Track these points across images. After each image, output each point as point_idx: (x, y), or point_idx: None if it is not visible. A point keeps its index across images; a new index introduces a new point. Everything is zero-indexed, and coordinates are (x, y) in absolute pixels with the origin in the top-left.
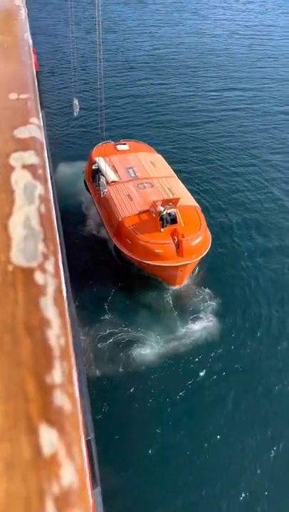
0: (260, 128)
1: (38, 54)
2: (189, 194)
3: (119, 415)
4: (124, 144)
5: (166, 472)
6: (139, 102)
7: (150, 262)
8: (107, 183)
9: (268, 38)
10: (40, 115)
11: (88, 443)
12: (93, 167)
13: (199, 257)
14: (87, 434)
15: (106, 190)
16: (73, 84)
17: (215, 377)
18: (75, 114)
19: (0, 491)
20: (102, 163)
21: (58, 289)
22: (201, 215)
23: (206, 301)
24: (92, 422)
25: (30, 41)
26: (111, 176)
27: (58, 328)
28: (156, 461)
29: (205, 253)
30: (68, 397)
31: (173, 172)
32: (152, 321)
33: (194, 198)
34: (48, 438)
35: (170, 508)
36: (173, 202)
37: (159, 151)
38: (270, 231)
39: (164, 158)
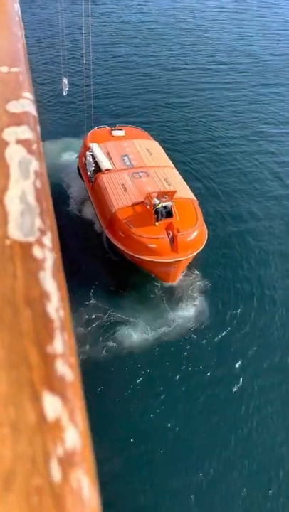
0: (251, 102)
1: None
2: (186, 186)
3: (105, 394)
4: (120, 129)
5: (151, 448)
6: (127, 76)
7: (143, 257)
8: (101, 171)
9: (259, 14)
10: (33, 90)
11: None
12: (87, 153)
13: (194, 253)
14: None
15: (93, 169)
16: (61, 58)
17: (197, 352)
18: (64, 93)
19: (7, 452)
20: (96, 149)
21: (56, 263)
22: (198, 209)
23: (196, 282)
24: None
25: (20, 12)
26: (105, 163)
27: (57, 300)
28: (140, 437)
29: (200, 249)
30: (70, 367)
31: (170, 161)
32: (140, 304)
33: (181, 169)
34: (52, 404)
35: (155, 484)
36: (169, 195)
37: (147, 129)
38: (258, 200)
39: (160, 143)
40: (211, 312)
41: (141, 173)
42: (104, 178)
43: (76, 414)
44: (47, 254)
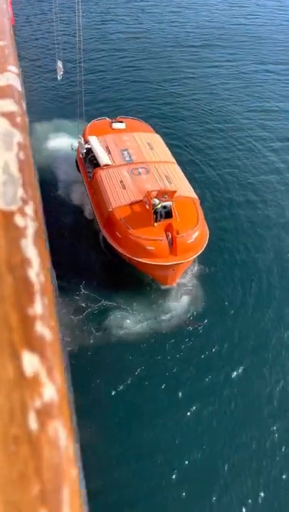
0: (241, 85)
1: (13, 4)
2: (188, 184)
3: (95, 376)
4: (121, 121)
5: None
6: (119, 55)
7: (140, 260)
8: (100, 166)
9: None
10: (19, 64)
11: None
12: (86, 146)
13: (194, 256)
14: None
15: (84, 151)
16: (55, 37)
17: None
18: (58, 77)
19: None
20: (95, 142)
21: (38, 231)
22: (199, 209)
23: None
24: (71, 381)
25: None
26: (104, 158)
27: (37, 266)
28: (128, 415)
29: (201, 251)
30: (49, 328)
31: (171, 156)
32: (133, 292)
33: (173, 152)
34: (30, 362)
35: (143, 458)
36: (169, 194)
37: (140, 108)
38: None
39: (152, 121)
40: (206, 298)
41: (141, 170)
42: (102, 174)
43: (54, 371)
44: (28, 223)
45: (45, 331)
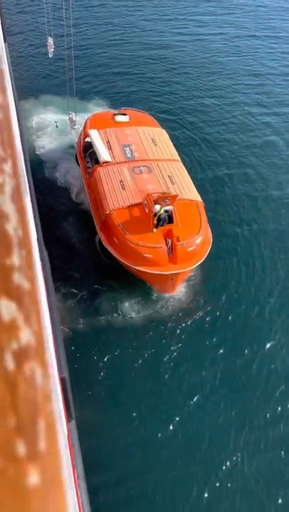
0: (231, 52)
1: None
2: (192, 185)
3: (92, 359)
4: (124, 114)
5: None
6: (110, 29)
7: (137, 268)
8: (99, 163)
9: None
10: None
11: (63, 380)
12: (86, 140)
13: (195, 265)
14: (61, 372)
15: (76, 126)
16: (45, 13)
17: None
18: (50, 54)
19: None
20: (95, 137)
21: (16, 188)
22: (203, 213)
23: None
24: (66, 361)
25: None
26: (104, 155)
27: (15, 221)
28: (127, 396)
29: (202, 260)
30: (27, 279)
31: (176, 153)
32: (127, 280)
33: (164, 125)
34: (7, 308)
35: (139, 438)
36: (170, 199)
37: (130, 81)
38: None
39: (144, 95)
40: (202, 275)
41: (142, 168)
42: (101, 172)
43: (31, 317)
44: (6, 180)
45: (23, 281)
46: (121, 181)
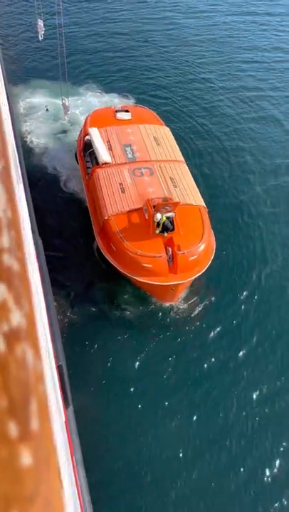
0: (222, 29)
1: None
2: (196, 188)
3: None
4: (127, 111)
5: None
6: (101, 14)
7: (136, 278)
8: (98, 164)
9: None
10: None
11: (60, 368)
12: (86, 139)
13: (196, 275)
14: (58, 360)
15: (69, 113)
16: None
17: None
18: (40, 37)
19: None
20: (95, 136)
21: (4, 169)
22: (206, 219)
23: None
24: (62, 349)
25: None
26: (104, 155)
27: (4, 202)
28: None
29: (204, 269)
30: (17, 260)
31: (180, 153)
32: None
33: (157, 103)
34: None
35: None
36: (171, 206)
37: (123, 62)
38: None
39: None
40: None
41: (144, 170)
42: (100, 174)
43: (22, 298)
44: None
45: (12, 262)
46: (121, 184)
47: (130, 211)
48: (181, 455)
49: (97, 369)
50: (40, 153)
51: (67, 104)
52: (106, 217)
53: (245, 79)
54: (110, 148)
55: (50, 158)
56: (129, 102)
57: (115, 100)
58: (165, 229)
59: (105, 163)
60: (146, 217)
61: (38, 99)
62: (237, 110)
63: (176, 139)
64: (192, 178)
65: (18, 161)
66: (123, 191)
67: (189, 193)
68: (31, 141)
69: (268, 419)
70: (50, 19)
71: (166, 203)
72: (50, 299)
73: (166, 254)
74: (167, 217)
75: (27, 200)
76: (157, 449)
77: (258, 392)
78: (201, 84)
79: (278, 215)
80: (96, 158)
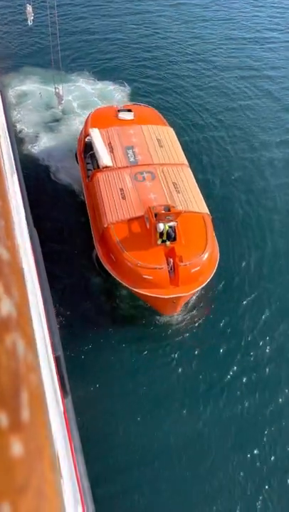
0: (213, 16)
1: None
2: (199, 194)
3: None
4: (129, 110)
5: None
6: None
7: (136, 290)
8: (99, 168)
9: None
10: None
11: (58, 359)
12: (86, 139)
13: (198, 288)
14: (56, 351)
15: (63, 102)
16: None
17: None
18: (29, 22)
19: None
20: (96, 137)
21: None
22: (209, 228)
23: None
24: (60, 341)
25: None
26: (104, 158)
27: None
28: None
29: (207, 281)
30: (6, 249)
31: (183, 156)
32: None
33: (152, 93)
34: None
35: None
36: (173, 215)
37: (115, 46)
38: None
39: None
40: None
41: (145, 174)
42: (100, 178)
43: (12, 287)
44: None
45: (2, 251)
46: (121, 190)
47: (131, 219)
48: (181, 443)
49: (95, 360)
50: (30, 142)
51: (61, 93)
52: (106, 225)
53: (242, 59)
54: (112, 151)
55: (41, 147)
56: (125, 89)
57: (110, 87)
58: (167, 237)
59: (106, 167)
60: (148, 226)
61: (28, 86)
62: (234, 90)
63: (176, 125)
64: (196, 183)
65: (11, 151)
66: (124, 197)
67: (192, 199)
68: (21, 130)
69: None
70: (41, 2)
71: (168, 213)
72: (46, 290)
73: (168, 265)
74: (169, 227)
75: (21, 191)
76: (158, 437)
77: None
78: (198, 66)
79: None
80: (97, 160)
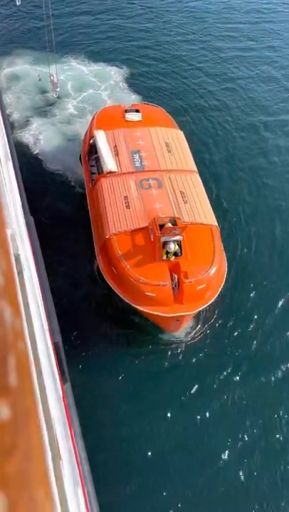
0: None
1: None
2: (208, 204)
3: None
4: (137, 110)
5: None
6: None
7: (138, 307)
8: (103, 173)
9: None
10: None
11: (56, 345)
12: (91, 142)
13: (204, 306)
14: (54, 337)
15: (58, 90)
16: None
17: None
18: (17, 2)
19: None
20: (101, 140)
21: None
22: (217, 241)
23: None
24: (58, 327)
25: None
26: (109, 163)
27: None
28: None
29: (214, 299)
30: None
31: (193, 162)
32: None
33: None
34: None
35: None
36: (180, 229)
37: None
38: None
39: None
40: None
41: (152, 181)
42: (104, 185)
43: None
44: None
45: None
46: (126, 197)
47: (134, 230)
48: (180, 430)
49: (94, 347)
50: (20, 127)
51: (55, 80)
52: (107, 236)
53: (239, 38)
54: (117, 155)
55: (35, 133)
56: (122, 72)
57: (106, 69)
58: (174, 253)
59: (110, 172)
60: (152, 239)
61: (19, 67)
62: (231, 69)
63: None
64: (204, 191)
65: (6, 138)
66: (128, 206)
67: (200, 210)
68: (11, 114)
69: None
70: None
71: (174, 227)
72: (43, 277)
73: (172, 281)
74: (174, 241)
75: (17, 179)
76: (158, 425)
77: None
78: (196, 46)
79: None
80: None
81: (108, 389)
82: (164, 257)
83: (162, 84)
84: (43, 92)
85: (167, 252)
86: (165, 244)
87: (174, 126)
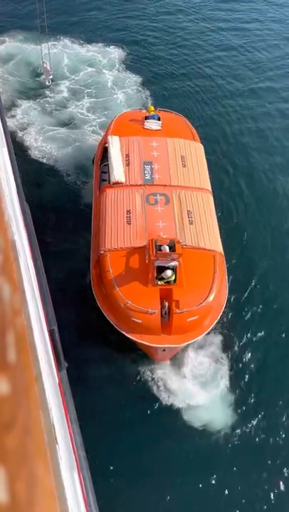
0: None
1: None
2: (216, 228)
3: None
4: (158, 120)
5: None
6: None
7: (123, 332)
8: (109, 182)
9: None
10: None
11: (52, 332)
12: (106, 146)
13: (193, 340)
14: (50, 325)
15: (51, 77)
16: None
17: None
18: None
19: None
20: (114, 146)
21: None
22: (219, 269)
23: None
24: (54, 314)
25: None
26: (116, 172)
27: None
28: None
29: (205, 333)
30: None
31: (208, 180)
32: None
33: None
34: None
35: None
36: (176, 255)
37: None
38: None
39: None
40: None
41: (159, 197)
42: (109, 195)
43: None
44: None
45: None
46: (128, 212)
47: (130, 249)
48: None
49: (89, 336)
50: (7, 108)
51: (48, 68)
52: (102, 252)
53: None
54: (128, 164)
55: (22, 115)
56: (120, 52)
57: (107, 49)
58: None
59: (117, 183)
60: (146, 261)
61: (11, 48)
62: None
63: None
64: (214, 213)
65: (1, 124)
66: (129, 222)
67: (206, 233)
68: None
69: None
70: None
71: (170, 253)
72: (39, 265)
73: (162, 308)
74: (168, 267)
75: (12, 165)
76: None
77: None
78: (194, 24)
79: None
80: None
81: (102, 377)
82: (158, 283)
83: (163, 63)
84: (36, 74)
85: (162, 278)
86: (161, 269)
87: (193, 139)
